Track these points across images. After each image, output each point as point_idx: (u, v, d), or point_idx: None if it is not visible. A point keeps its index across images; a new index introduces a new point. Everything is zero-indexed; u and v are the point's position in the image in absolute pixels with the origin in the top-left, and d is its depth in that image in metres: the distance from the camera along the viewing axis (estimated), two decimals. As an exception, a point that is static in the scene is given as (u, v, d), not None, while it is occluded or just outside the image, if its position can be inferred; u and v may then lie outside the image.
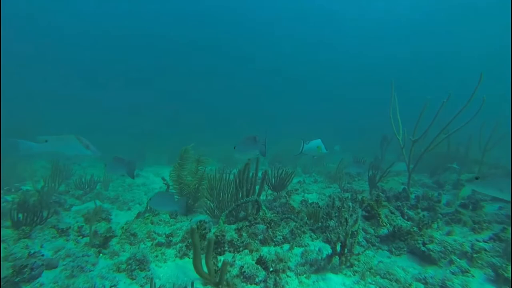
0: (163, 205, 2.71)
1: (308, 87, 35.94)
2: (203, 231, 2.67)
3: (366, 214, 3.07)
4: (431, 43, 29.00)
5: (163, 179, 3.84)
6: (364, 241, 2.66)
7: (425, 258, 2.25)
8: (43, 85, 28.89)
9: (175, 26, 30.44)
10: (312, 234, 2.93)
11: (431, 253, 2.19)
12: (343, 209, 2.42)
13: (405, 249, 2.41)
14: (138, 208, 4.34)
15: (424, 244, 2.28)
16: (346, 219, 2.25)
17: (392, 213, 3.04)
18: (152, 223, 3.27)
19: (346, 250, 2.17)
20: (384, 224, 2.77)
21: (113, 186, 5.48)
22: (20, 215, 2.91)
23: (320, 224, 3.07)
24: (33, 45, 26.60)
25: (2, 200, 4.20)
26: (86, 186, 4.84)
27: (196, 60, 33.62)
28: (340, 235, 2.18)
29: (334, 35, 31.93)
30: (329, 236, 2.28)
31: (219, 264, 2.25)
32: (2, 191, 4.67)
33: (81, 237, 2.75)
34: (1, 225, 2.91)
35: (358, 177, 6.67)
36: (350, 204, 2.08)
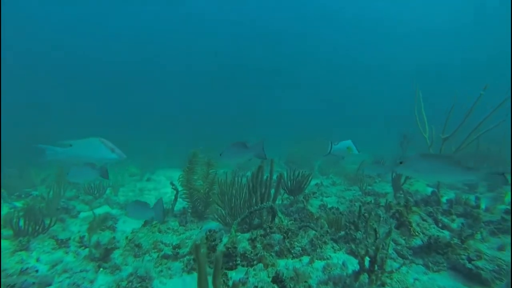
0: (139, 214, 2.51)
1: (318, 88, 35.21)
2: (213, 242, 2.42)
3: (394, 221, 2.74)
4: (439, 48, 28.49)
5: (172, 184, 3.63)
6: (394, 253, 2.34)
7: (472, 277, 1.91)
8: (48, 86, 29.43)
9: (175, 28, 30.72)
10: (334, 244, 2.63)
11: (481, 272, 1.84)
12: (370, 218, 2.12)
13: (445, 264, 2.07)
14: (148, 214, 4.15)
15: (470, 260, 1.94)
16: (375, 230, 1.94)
17: (424, 220, 2.69)
18: (159, 232, 3.06)
19: (376, 267, 1.87)
20: (417, 233, 2.44)
21: (123, 190, 5.34)
22: (22, 223, 2.76)
23: (342, 233, 2.77)
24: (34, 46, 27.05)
25: (10, 206, 4.11)
26: (95, 191, 4.71)
27: (203, 61, 33.57)
28: (369, 249, 1.88)
29: (344, 36, 31.48)
30: (355, 249, 1.98)
31: (230, 283, 2.00)
32: (12, 197, 4.60)
33: (83, 248, 2.56)
34: (1, 235, 2.76)
35: (379, 178, 6.30)
36: (381, 213, 1.78)
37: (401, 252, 2.28)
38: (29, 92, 26.47)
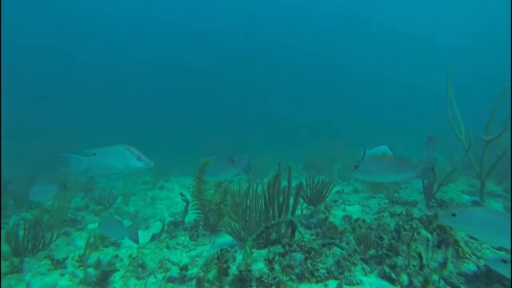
0: (112, 232, 2.28)
1: (335, 88, 34.39)
2: (225, 264, 2.12)
3: (450, 249, 2.33)
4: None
5: (181, 194, 3.36)
6: (442, 280, 1.94)
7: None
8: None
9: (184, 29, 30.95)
10: (365, 265, 2.26)
11: None
12: (412, 239, 1.75)
13: (513, 299, 1.67)
14: (158, 226, 3.90)
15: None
16: (419, 255, 1.58)
17: (473, 238, 2.28)
18: (167, 248, 2.78)
19: (424, 302, 1.51)
20: (468, 255, 2.03)
21: (134, 200, 5.14)
22: (21, 238, 2.55)
23: (373, 251, 2.40)
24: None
25: (18, 217, 3.97)
26: (105, 201, 4.52)
27: (212, 66, 33.52)
28: (415, 280, 1.52)
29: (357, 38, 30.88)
30: (396, 277, 1.63)
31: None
32: (22, 208, 4.48)
33: (82, 268, 2.31)
34: (1, 252, 2.57)
35: (405, 184, 5.87)
36: (430, 236, 1.42)
37: (450, 280, 1.89)
38: (35, 99, 26.96)
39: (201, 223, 3.36)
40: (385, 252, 2.28)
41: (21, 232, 2.59)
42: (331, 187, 3.69)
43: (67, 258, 2.36)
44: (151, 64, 32.57)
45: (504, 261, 1.37)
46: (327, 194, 3.71)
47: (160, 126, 20.76)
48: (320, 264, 2.20)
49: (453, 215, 1.56)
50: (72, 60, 29.46)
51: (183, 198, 3.32)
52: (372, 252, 2.40)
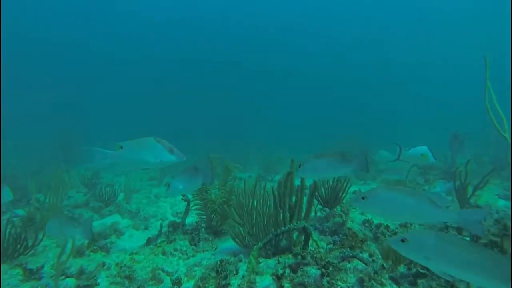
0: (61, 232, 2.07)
1: (350, 84, 33.45)
2: (223, 281, 1.76)
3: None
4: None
5: (183, 194, 3.04)
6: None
7: None
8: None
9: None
10: (395, 286, 1.87)
11: None
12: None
13: None
14: (159, 226, 3.60)
15: None
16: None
17: (531, 255, 1.85)
18: (163, 254, 2.46)
19: None
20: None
21: (137, 197, 4.85)
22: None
23: (404, 268, 2.00)
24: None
25: (12, 214, 3.75)
26: (106, 197, 4.25)
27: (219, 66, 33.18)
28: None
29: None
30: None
31: None
32: (19, 203, 4.26)
33: (62, 278, 2.00)
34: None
35: (427, 185, 5.41)
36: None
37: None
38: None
39: (203, 225, 3.03)
40: (420, 270, 1.89)
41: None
42: (348, 186, 3.31)
43: (41, 267, 2.05)
44: (156, 60, 32.46)
45: (402, 240, 1.33)
46: (344, 195, 3.33)
47: (169, 122, 20.64)
48: (339, 283, 1.82)
49: (363, 198, 1.57)
50: (74, 59, 29.73)
51: (184, 197, 2.99)
52: (402, 268, 2.01)
